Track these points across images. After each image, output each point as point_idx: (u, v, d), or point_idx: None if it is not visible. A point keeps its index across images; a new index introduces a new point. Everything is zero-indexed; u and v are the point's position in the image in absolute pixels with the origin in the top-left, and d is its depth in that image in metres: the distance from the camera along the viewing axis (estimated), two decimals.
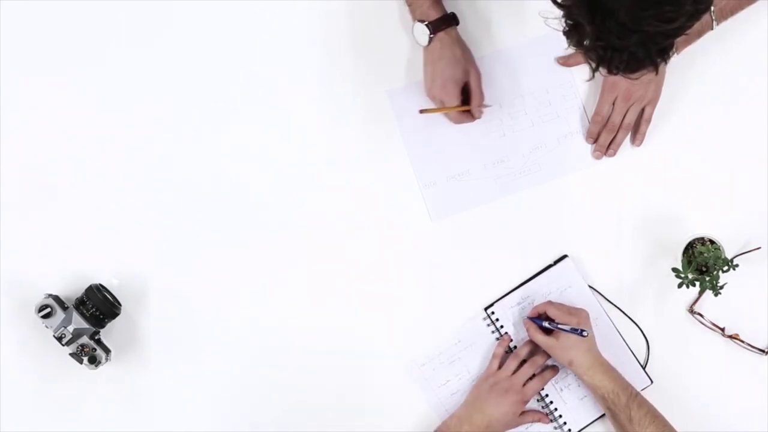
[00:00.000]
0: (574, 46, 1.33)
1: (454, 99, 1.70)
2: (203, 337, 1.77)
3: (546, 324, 1.70)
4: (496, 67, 1.78)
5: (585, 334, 1.66)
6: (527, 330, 1.73)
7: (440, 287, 1.78)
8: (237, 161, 1.78)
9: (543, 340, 1.71)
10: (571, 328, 1.66)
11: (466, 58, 1.71)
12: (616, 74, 1.34)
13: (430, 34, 1.68)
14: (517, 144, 1.79)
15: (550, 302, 1.73)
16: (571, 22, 1.31)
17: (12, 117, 1.78)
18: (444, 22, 1.69)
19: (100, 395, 1.76)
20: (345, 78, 1.78)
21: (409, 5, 1.71)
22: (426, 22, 1.68)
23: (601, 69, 1.33)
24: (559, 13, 1.31)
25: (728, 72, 1.78)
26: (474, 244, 1.78)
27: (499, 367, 1.74)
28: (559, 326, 1.68)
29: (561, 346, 1.69)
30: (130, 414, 1.77)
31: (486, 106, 1.75)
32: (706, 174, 1.78)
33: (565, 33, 1.33)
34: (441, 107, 1.73)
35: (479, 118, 1.74)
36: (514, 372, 1.72)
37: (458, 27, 1.72)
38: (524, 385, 1.72)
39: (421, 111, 1.73)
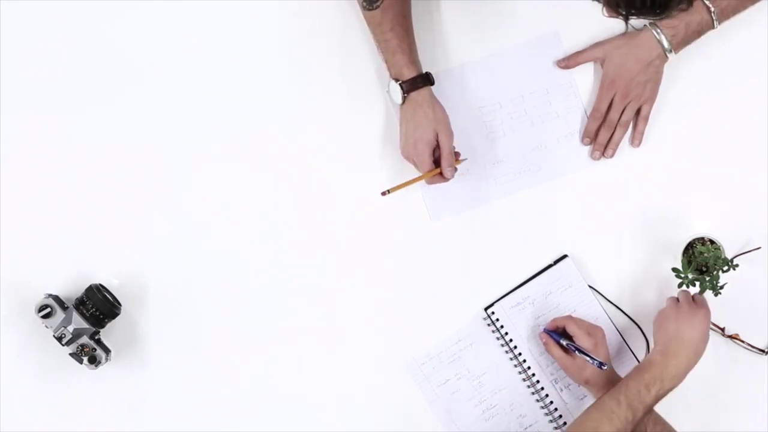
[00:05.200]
0: None
1: (425, 159, 1.69)
2: (203, 337, 1.77)
3: (565, 343, 1.71)
4: (496, 67, 1.78)
5: (605, 368, 1.67)
6: (544, 344, 1.74)
7: (440, 287, 1.78)
8: (236, 162, 1.78)
9: (560, 357, 1.71)
10: (595, 362, 1.67)
11: (437, 119, 1.68)
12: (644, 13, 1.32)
13: (404, 93, 1.67)
14: (517, 144, 1.79)
15: (570, 317, 1.73)
16: None
17: (12, 117, 1.78)
18: (417, 83, 1.67)
19: (100, 395, 1.76)
20: (345, 78, 1.78)
21: (386, 62, 1.70)
22: (400, 82, 1.67)
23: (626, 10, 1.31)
24: None
25: (728, 72, 1.78)
26: (474, 244, 1.78)
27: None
28: (582, 353, 1.68)
29: (577, 366, 1.70)
30: (130, 414, 1.77)
31: (461, 161, 1.73)
32: (706, 174, 1.78)
33: None
34: (409, 180, 1.71)
35: (451, 178, 1.70)
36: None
37: (433, 87, 1.69)
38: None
39: (383, 193, 1.68)
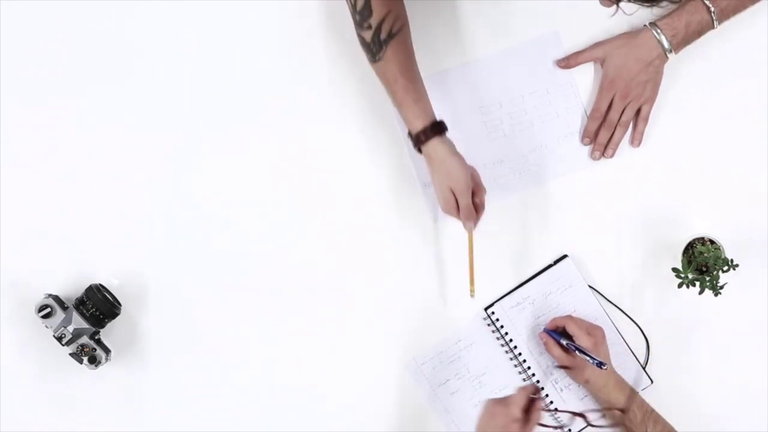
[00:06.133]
0: None
1: (449, 211, 1.66)
2: (203, 337, 1.77)
3: (565, 343, 1.71)
4: (496, 67, 1.78)
5: (605, 367, 1.66)
6: (544, 343, 1.74)
7: (440, 287, 1.78)
8: (237, 162, 1.78)
9: (560, 357, 1.71)
10: (595, 361, 1.66)
11: (451, 176, 1.63)
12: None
13: (416, 147, 1.64)
14: (517, 144, 1.79)
15: (570, 317, 1.73)
16: None
17: (12, 117, 1.78)
18: (426, 135, 1.61)
19: (100, 395, 1.77)
20: (345, 78, 1.78)
21: (400, 115, 1.66)
22: (408, 134, 1.64)
23: None
24: None
25: (728, 72, 1.78)
26: (474, 244, 1.78)
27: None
28: (582, 353, 1.68)
29: (577, 366, 1.70)
30: (130, 414, 1.77)
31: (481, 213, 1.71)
32: (706, 174, 1.78)
33: None
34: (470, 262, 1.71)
35: (472, 230, 1.69)
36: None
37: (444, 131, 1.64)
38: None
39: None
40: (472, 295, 1.73)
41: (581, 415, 1.60)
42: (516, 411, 1.51)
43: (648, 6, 1.35)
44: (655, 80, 1.75)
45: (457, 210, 1.66)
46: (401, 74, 1.61)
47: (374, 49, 1.60)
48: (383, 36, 1.59)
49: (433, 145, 1.62)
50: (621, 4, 1.36)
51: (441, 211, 1.70)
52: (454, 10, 1.75)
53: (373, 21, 1.58)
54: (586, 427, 1.75)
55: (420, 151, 1.64)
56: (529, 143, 1.79)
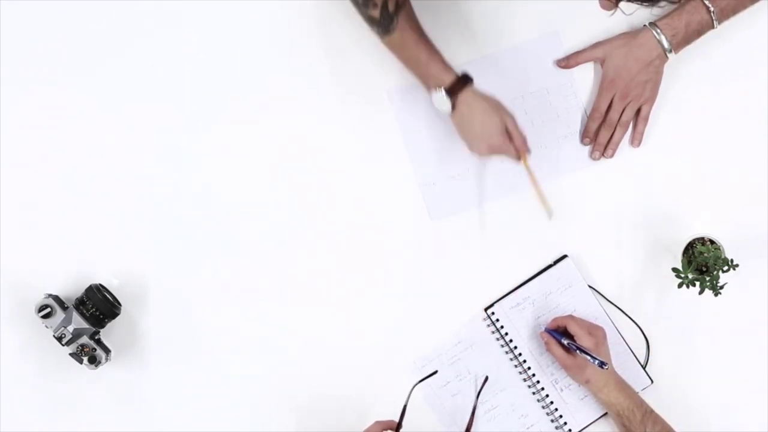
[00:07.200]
0: None
1: (509, 147, 1.67)
2: (203, 337, 1.77)
3: (566, 342, 1.71)
4: (496, 67, 1.78)
5: (606, 367, 1.66)
6: (546, 343, 1.74)
7: (440, 287, 1.78)
8: (237, 162, 1.78)
9: (561, 357, 1.71)
10: (596, 361, 1.66)
11: (497, 106, 1.66)
12: None
13: (451, 98, 1.64)
14: None
15: (571, 317, 1.73)
16: None
17: (12, 117, 1.78)
18: (461, 84, 1.65)
19: (100, 395, 1.77)
20: (345, 78, 1.78)
21: (420, 78, 1.67)
22: (444, 88, 1.64)
23: None
24: None
25: (728, 72, 1.78)
26: (474, 244, 1.78)
27: None
28: (583, 353, 1.68)
29: (578, 366, 1.70)
30: (130, 414, 1.77)
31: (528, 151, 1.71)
32: (706, 174, 1.78)
33: None
34: (534, 184, 1.71)
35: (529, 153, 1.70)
36: None
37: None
38: None
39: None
40: (550, 215, 1.71)
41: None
42: None
43: (647, 6, 1.35)
44: (654, 80, 1.75)
45: (510, 141, 1.66)
46: (420, 36, 1.65)
47: (386, 22, 1.62)
48: (392, 8, 1.61)
49: (471, 91, 1.65)
50: (621, 4, 1.36)
51: (487, 152, 1.68)
52: (454, 10, 1.75)
53: None
54: (586, 427, 1.76)
55: (453, 104, 1.65)
56: (529, 143, 1.79)
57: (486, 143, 1.67)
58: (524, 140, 1.68)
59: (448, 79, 1.64)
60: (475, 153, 1.70)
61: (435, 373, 1.75)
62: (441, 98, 1.65)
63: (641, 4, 1.35)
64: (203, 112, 1.79)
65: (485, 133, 1.66)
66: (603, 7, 1.39)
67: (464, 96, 1.65)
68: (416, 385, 1.72)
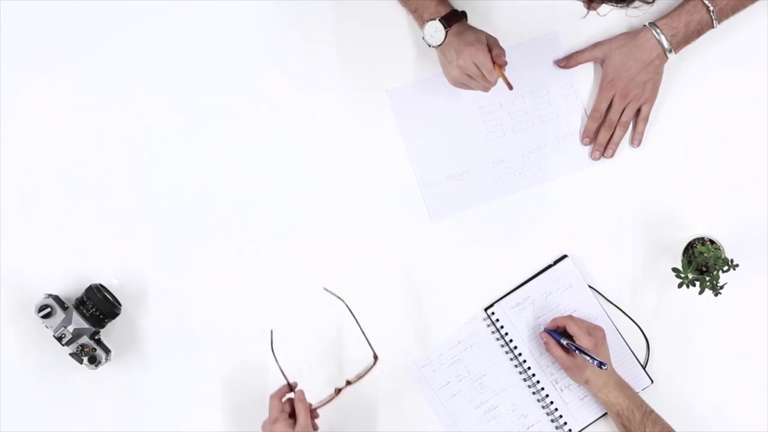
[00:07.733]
0: None
1: (487, 59, 1.65)
2: (203, 337, 1.77)
3: (565, 343, 1.71)
4: None
5: (605, 367, 1.66)
6: (545, 343, 1.74)
7: (440, 288, 1.78)
8: (236, 162, 1.78)
9: (560, 357, 1.71)
10: (595, 361, 1.66)
11: (481, 31, 1.67)
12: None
13: (445, 28, 1.65)
14: (517, 144, 1.79)
15: (571, 317, 1.73)
16: None
17: (12, 117, 1.78)
18: (455, 16, 1.67)
19: (100, 395, 1.76)
20: (345, 78, 1.78)
21: (415, 11, 1.69)
22: (437, 18, 1.65)
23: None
24: None
25: (728, 72, 1.78)
26: (474, 244, 1.78)
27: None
28: (582, 353, 1.68)
29: (577, 366, 1.70)
30: (130, 414, 1.77)
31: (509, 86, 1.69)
32: (705, 174, 1.78)
33: None
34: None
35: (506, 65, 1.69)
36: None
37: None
38: None
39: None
40: (510, 87, 1.68)
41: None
42: (275, 414, 1.63)
43: (621, 7, 1.36)
44: (654, 80, 1.75)
45: (489, 55, 1.65)
46: None
47: None
48: None
49: (462, 23, 1.66)
50: (595, 6, 1.37)
51: (462, 69, 1.66)
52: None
53: None
54: (586, 427, 1.76)
55: (446, 35, 1.64)
56: (529, 143, 1.79)
57: (463, 58, 1.65)
58: (503, 52, 1.67)
59: (445, 11, 1.65)
60: (451, 74, 1.68)
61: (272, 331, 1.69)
62: (434, 28, 1.65)
63: (615, 5, 1.36)
64: (203, 113, 1.79)
65: (468, 47, 1.65)
66: (585, 6, 1.40)
67: (456, 27, 1.66)
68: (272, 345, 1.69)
